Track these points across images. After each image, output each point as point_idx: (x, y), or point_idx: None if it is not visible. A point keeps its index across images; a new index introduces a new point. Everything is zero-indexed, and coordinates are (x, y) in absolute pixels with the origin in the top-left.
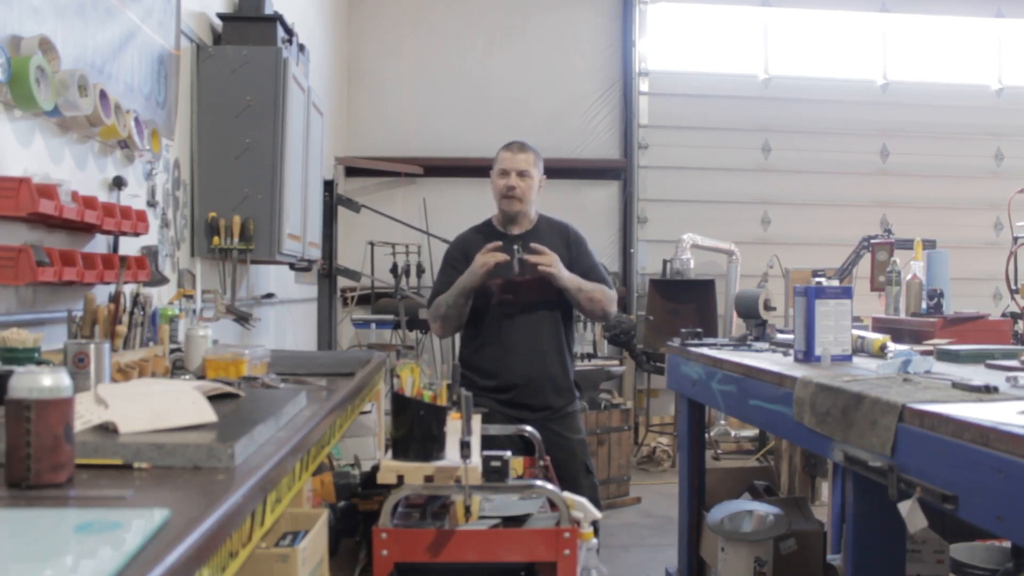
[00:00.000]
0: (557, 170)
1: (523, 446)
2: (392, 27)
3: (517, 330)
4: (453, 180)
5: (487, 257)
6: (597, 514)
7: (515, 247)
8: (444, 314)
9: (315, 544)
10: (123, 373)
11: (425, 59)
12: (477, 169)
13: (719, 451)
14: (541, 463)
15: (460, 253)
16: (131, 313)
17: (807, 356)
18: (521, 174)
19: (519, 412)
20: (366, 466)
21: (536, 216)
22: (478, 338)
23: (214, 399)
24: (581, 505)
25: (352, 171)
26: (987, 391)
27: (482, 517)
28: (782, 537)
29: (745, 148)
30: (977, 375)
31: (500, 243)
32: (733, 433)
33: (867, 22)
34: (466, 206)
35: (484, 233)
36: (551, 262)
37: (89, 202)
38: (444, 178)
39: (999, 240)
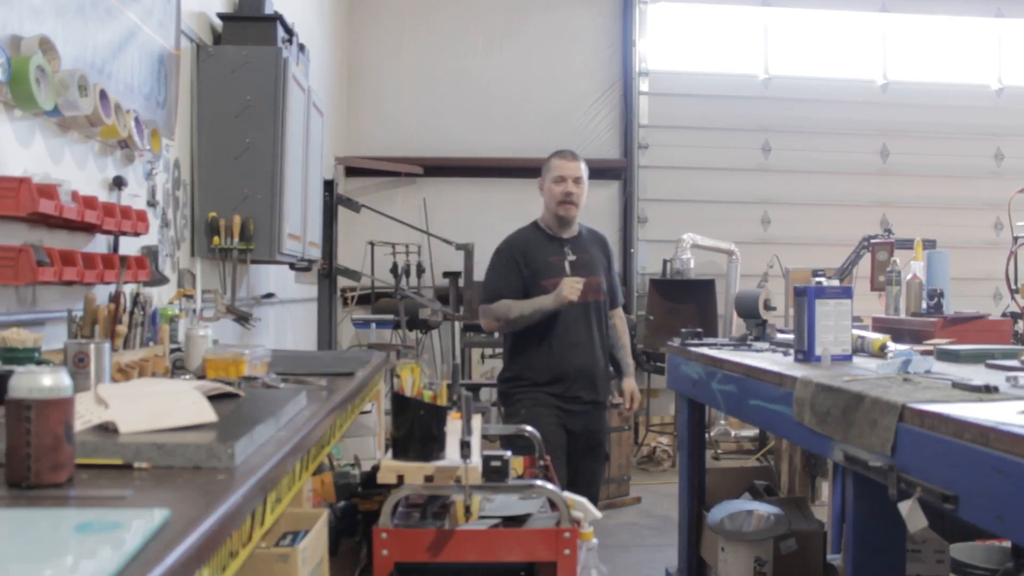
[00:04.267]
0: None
1: (565, 439)
2: (392, 27)
3: (569, 327)
4: (453, 180)
5: (573, 293)
6: (597, 514)
7: (566, 249)
8: (513, 321)
9: (315, 544)
10: (123, 373)
11: (425, 59)
12: (477, 169)
13: (719, 451)
14: (541, 463)
15: (520, 253)
16: (131, 313)
17: (807, 356)
18: (576, 180)
19: (570, 404)
20: (366, 466)
21: (578, 223)
22: (532, 336)
23: (214, 399)
24: (581, 505)
25: (352, 171)
26: (987, 391)
27: (482, 517)
28: (782, 537)
29: (745, 148)
30: (977, 375)
31: (583, 279)
32: (733, 433)
33: (867, 22)
34: (466, 206)
35: (540, 235)
36: (639, 407)
37: (89, 202)
38: (444, 178)
39: (999, 240)
